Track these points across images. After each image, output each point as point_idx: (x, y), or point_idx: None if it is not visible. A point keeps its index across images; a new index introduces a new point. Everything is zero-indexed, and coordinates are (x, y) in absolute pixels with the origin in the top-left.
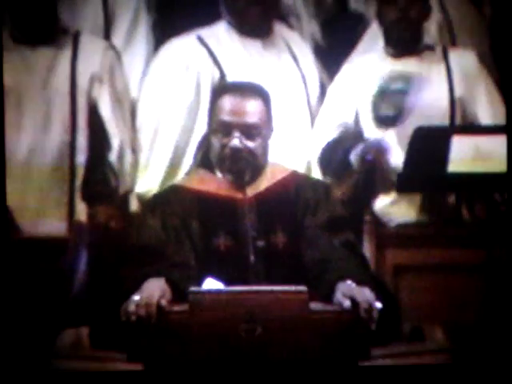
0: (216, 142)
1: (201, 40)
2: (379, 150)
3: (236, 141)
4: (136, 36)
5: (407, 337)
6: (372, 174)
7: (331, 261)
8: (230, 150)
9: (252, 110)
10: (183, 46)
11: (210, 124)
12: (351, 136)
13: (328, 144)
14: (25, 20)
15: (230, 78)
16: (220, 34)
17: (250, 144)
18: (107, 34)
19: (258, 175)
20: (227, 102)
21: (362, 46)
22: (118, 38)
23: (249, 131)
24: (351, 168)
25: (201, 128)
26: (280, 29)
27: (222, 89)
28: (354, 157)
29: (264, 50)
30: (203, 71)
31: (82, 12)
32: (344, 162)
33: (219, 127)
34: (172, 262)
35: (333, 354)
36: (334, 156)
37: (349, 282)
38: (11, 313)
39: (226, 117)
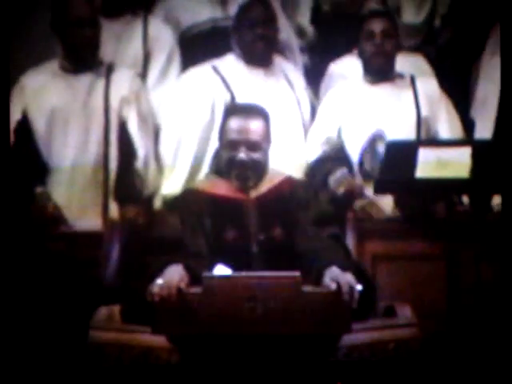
0: (226, 155)
1: (215, 69)
2: (351, 185)
3: (242, 155)
4: (170, 70)
5: (382, 313)
6: (345, 202)
7: (320, 250)
8: (237, 162)
9: (254, 128)
10: (201, 74)
11: (220, 140)
12: (334, 155)
13: (315, 161)
14: (75, 54)
15: (239, 99)
16: (230, 63)
17: (254, 156)
18: (145, 68)
19: (257, 182)
20: (234, 123)
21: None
22: (154, 72)
23: (252, 146)
24: (329, 188)
25: (215, 141)
26: (278, 60)
27: (229, 111)
28: (331, 181)
29: (266, 77)
30: (217, 94)
31: (125, 48)
32: (324, 182)
33: (228, 143)
34: (188, 252)
35: (320, 328)
36: (317, 173)
37: (334, 268)
38: (57, 293)
39: (233, 135)
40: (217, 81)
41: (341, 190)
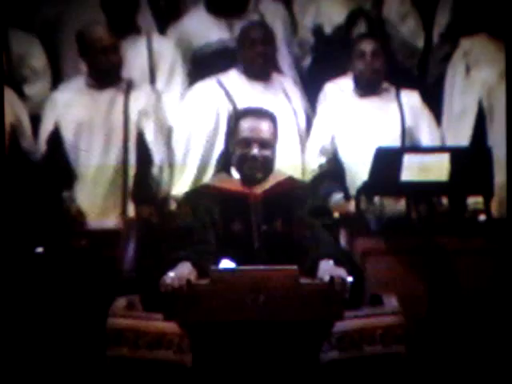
0: (239, 151)
1: (220, 83)
2: (344, 209)
3: (255, 151)
4: (173, 81)
5: (370, 302)
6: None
7: (314, 241)
8: (250, 157)
9: (265, 128)
10: (207, 87)
11: (232, 139)
12: (329, 171)
13: (313, 179)
14: (100, 75)
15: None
16: (233, 78)
17: (265, 153)
18: (152, 79)
19: (266, 177)
20: (247, 124)
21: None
22: (160, 82)
23: (263, 144)
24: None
25: (220, 145)
26: (277, 75)
27: (242, 113)
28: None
29: (265, 90)
30: (221, 105)
31: (133, 63)
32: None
33: (242, 141)
34: (197, 249)
35: (315, 315)
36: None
37: (329, 261)
38: (81, 284)
39: (246, 134)
40: (221, 93)
41: (336, 214)
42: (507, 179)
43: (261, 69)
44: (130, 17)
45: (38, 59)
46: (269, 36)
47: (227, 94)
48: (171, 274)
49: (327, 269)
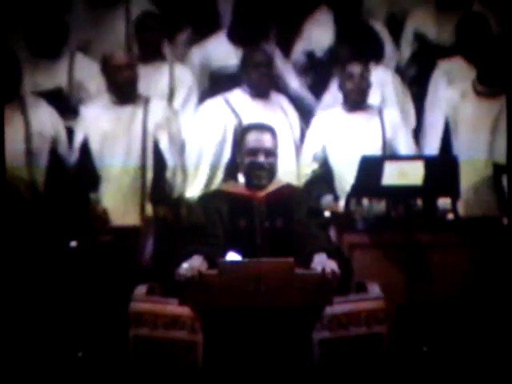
0: (247, 160)
1: (227, 101)
2: (333, 209)
3: (262, 158)
4: (189, 102)
5: (355, 289)
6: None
7: (310, 236)
8: (257, 164)
9: (267, 139)
10: (216, 105)
11: (241, 150)
12: (321, 176)
13: (307, 183)
14: (116, 90)
15: (245, 123)
16: (238, 96)
17: (269, 160)
18: (170, 99)
19: (269, 183)
20: (252, 136)
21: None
22: (178, 101)
23: (268, 153)
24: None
25: (227, 155)
26: (275, 94)
27: (247, 127)
28: (323, 202)
29: (265, 107)
30: (228, 121)
31: (156, 84)
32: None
33: (249, 151)
34: (208, 242)
35: (309, 301)
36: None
37: (322, 254)
38: (106, 274)
39: (253, 144)
40: (228, 110)
41: (327, 214)
42: (508, 183)
43: (263, 88)
44: (159, 46)
45: (94, 82)
46: (269, 58)
47: (233, 110)
48: (185, 265)
49: (319, 261)
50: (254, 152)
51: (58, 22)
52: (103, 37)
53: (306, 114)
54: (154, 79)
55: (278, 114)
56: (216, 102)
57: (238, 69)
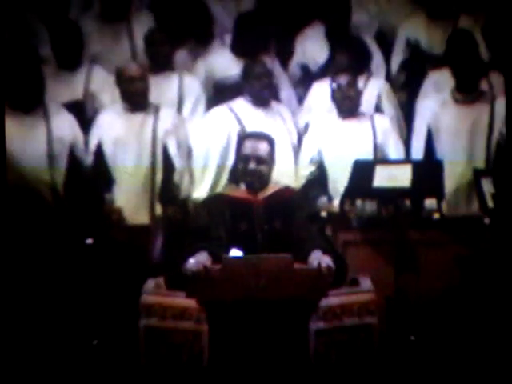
0: (241, 166)
1: (231, 109)
2: (328, 209)
3: (252, 165)
4: (197, 110)
5: (349, 283)
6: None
7: (308, 238)
8: (248, 171)
9: (262, 148)
10: (221, 113)
11: (237, 156)
12: (317, 179)
13: (304, 186)
14: (130, 99)
15: (248, 130)
16: (241, 105)
17: (260, 168)
18: (179, 108)
19: (265, 186)
20: (248, 144)
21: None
22: (186, 109)
23: (259, 160)
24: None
25: (231, 160)
26: (275, 102)
27: (246, 135)
28: (319, 203)
29: (266, 115)
30: (232, 127)
31: (165, 93)
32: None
33: (243, 158)
34: (212, 240)
35: (305, 294)
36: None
37: (318, 251)
38: (118, 268)
39: (246, 152)
40: (232, 117)
41: (323, 214)
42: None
43: (263, 98)
44: (168, 57)
45: (108, 93)
46: (268, 70)
47: (237, 118)
48: (191, 260)
49: (316, 257)
50: (247, 159)
51: (76, 34)
52: (111, 50)
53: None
54: (163, 88)
55: (277, 121)
56: (221, 110)
57: (240, 79)
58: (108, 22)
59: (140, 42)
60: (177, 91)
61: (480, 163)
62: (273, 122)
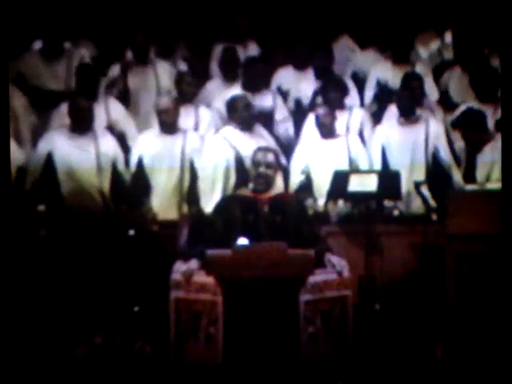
0: (254, 170)
1: (225, 138)
2: (315, 209)
3: (262, 169)
4: (208, 133)
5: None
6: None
7: (302, 227)
8: (259, 173)
9: (269, 156)
10: (218, 141)
11: (252, 163)
12: (305, 184)
13: (296, 190)
14: (163, 126)
15: (242, 153)
16: (231, 132)
17: (268, 172)
18: (195, 130)
19: (269, 189)
20: (259, 154)
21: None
22: (201, 131)
23: (268, 166)
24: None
25: (233, 173)
26: (258, 126)
27: (258, 148)
28: (307, 203)
29: (250, 137)
30: (228, 152)
31: (186, 121)
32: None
33: (255, 163)
34: (215, 238)
35: (297, 272)
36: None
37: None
38: (153, 254)
39: (258, 159)
40: (227, 145)
41: (310, 212)
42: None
43: (246, 124)
44: (192, 96)
45: (129, 125)
46: (248, 104)
47: (231, 145)
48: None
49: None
50: (258, 164)
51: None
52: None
53: (285, 146)
54: (185, 117)
55: (259, 141)
56: (218, 140)
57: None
58: (137, 65)
59: (165, 83)
60: (194, 119)
61: (421, 169)
62: (255, 143)
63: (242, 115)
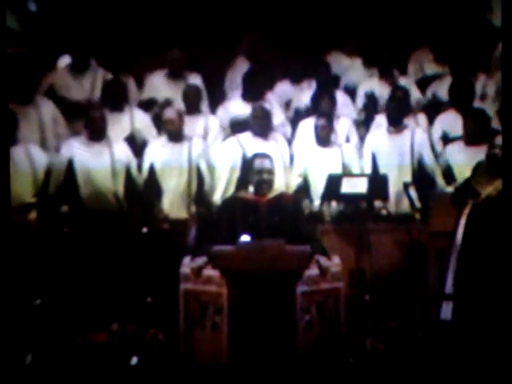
0: (255, 178)
1: (238, 140)
2: (310, 209)
3: (265, 176)
4: (217, 139)
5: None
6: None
7: (299, 225)
8: (263, 180)
9: (267, 163)
10: (231, 143)
11: (252, 169)
12: (302, 187)
13: (295, 191)
14: (172, 136)
15: (248, 154)
16: (246, 136)
17: (269, 177)
18: (204, 138)
19: (269, 191)
20: (258, 161)
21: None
22: (209, 139)
23: (268, 171)
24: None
25: (237, 174)
26: (272, 132)
27: (255, 155)
28: (304, 204)
29: (264, 143)
30: (237, 153)
31: (194, 130)
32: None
33: (256, 171)
34: (219, 237)
35: (293, 266)
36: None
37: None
38: (164, 249)
39: (258, 166)
40: (238, 146)
41: (306, 211)
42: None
43: (261, 132)
44: (198, 106)
45: (151, 130)
46: (267, 113)
47: (241, 146)
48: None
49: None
50: (260, 172)
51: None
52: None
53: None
54: (194, 126)
55: (272, 146)
56: (231, 141)
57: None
58: (171, 78)
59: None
60: (203, 129)
61: (408, 171)
62: (269, 147)
63: (258, 123)
